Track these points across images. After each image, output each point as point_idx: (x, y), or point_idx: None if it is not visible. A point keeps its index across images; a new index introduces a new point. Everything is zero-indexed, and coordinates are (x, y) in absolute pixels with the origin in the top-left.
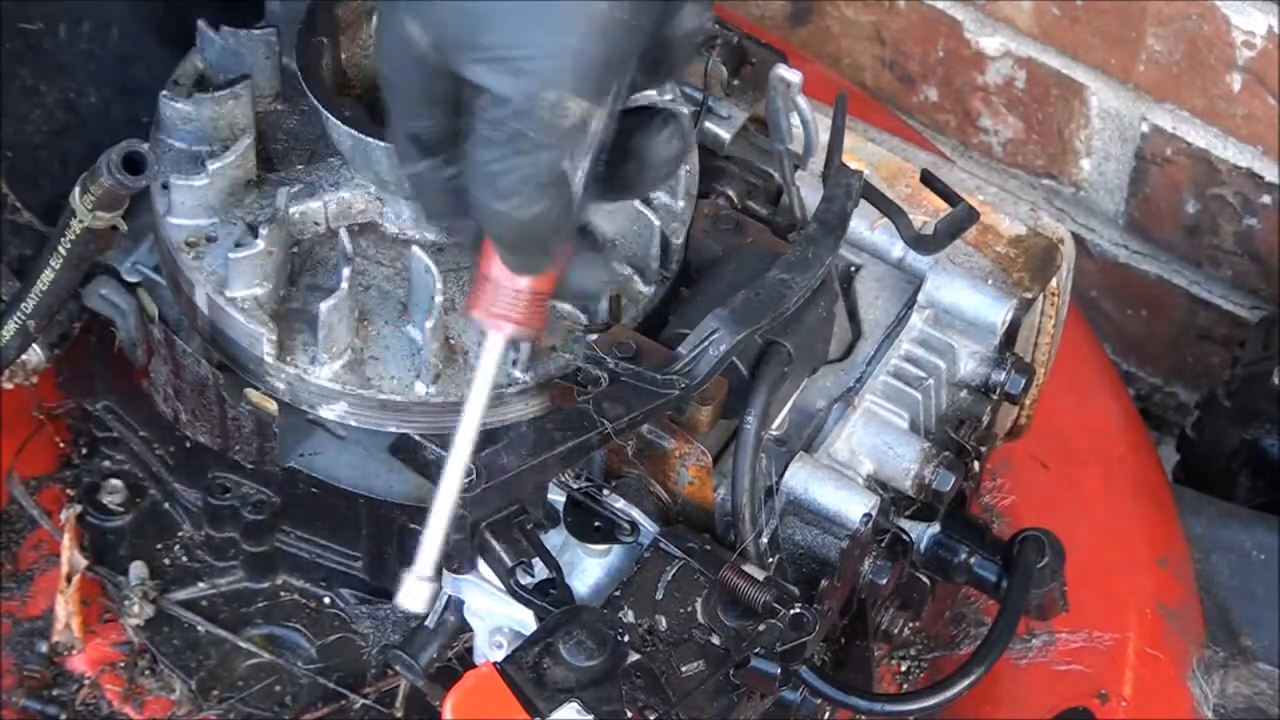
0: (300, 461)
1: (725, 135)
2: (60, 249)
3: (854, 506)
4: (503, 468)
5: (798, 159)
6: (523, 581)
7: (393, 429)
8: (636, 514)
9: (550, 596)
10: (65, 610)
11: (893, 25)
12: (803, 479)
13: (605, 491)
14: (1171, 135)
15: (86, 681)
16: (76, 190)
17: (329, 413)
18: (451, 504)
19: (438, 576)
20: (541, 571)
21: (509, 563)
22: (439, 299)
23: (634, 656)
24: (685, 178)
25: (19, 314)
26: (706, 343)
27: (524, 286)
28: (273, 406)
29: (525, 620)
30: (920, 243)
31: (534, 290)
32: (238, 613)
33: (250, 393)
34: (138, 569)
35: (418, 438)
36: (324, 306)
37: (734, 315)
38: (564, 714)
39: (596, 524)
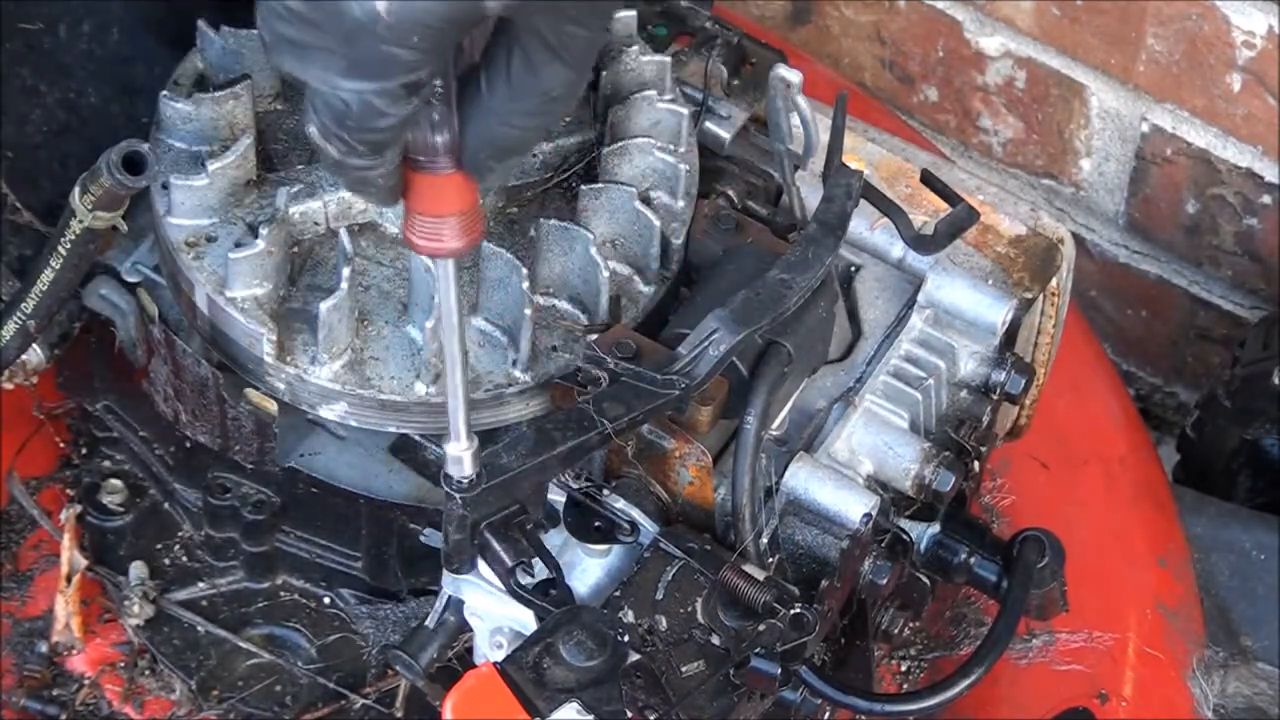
0: (300, 461)
1: (725, 135)
2: (60, 249)
3: (854, 506)
4: (503, 468)
5: (798, 159)
6: (523, 581)
7: (393, 429)
8: (636, 514)
9: (550, 596)
10: (65, 610)
11: (893, 25)
12: (803, 479)
13: (605, 491)
14: (1171, 135)
15: (86, 681)
16: (76, 190)
17: (329, 413)
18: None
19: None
20: (541, 571)
21: (509, 563)
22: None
23: (634, 656)
24: (685, 177)
25: (19, 314)
26: (706, 343)
27: (432, 212)
28: (273, 406)
29: (525, 620)
30: (920, 243)
31: (445, 213)
32: (238, 613)
33: (250, 393)
34: (137, 569)
35: (418, 438)
36: (324, 306)
37: (734, 315)
38: (564, 714)
39: (596, 524)
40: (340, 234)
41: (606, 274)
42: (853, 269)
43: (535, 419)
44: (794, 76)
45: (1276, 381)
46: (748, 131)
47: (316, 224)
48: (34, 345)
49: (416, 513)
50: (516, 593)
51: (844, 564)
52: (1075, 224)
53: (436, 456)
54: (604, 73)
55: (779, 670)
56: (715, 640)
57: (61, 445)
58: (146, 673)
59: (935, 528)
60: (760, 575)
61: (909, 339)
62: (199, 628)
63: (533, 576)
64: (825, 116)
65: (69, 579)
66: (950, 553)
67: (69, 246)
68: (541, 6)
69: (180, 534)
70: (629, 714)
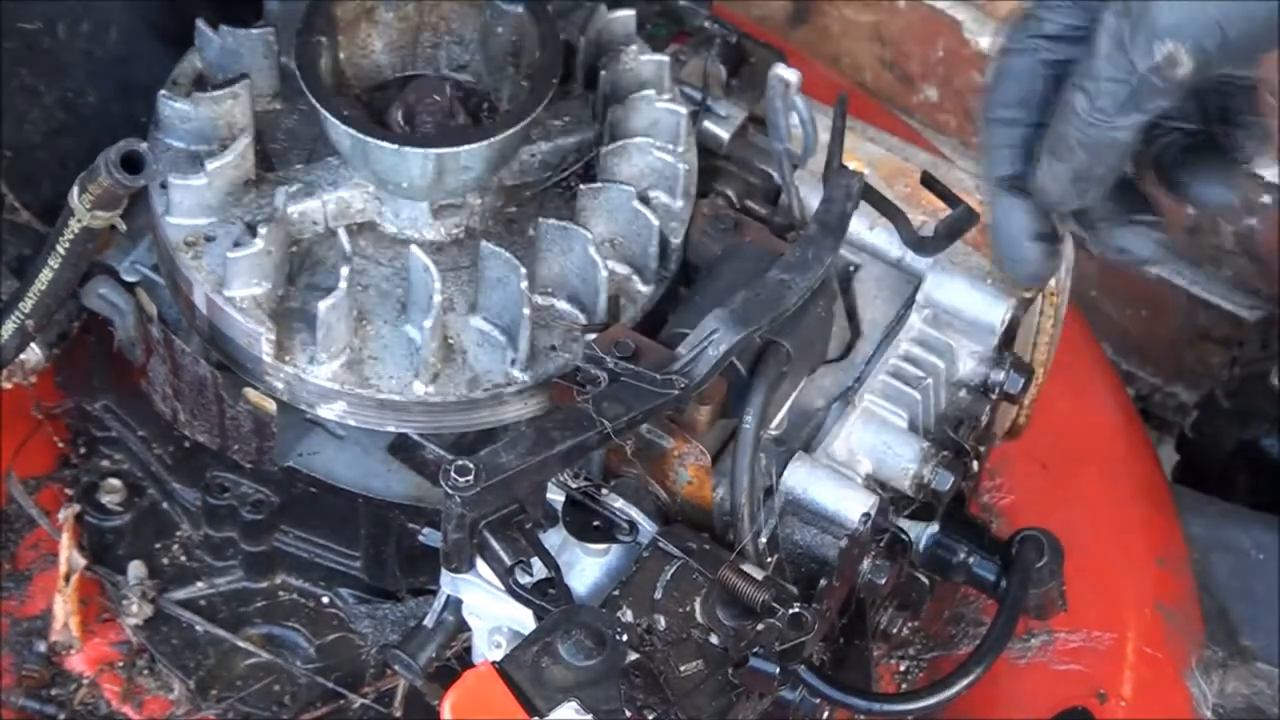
0: (299, 461)
1: (724, 135)
2: (59, 248)
3: (853, 506)
4: (501, 466)
5: (796, 158)
6: (521, 581)
7: (391, 429)
8: (635, 513)
9: (549, 596)
10: (64, 610)
11: (893, 25)
12: (801, 478)
13: (604, 491)
14: None
15: (85, 681)
16: (75, 189)
17: (328, 412)
18: None
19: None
20: (540, 571)
21: (507, 562)
22: (438, 298)
23: (632, 656)
24: (684, 177)
25: (17, 313)
26: (706, 343)
27: None
28: (271, 406)
29: (524, 620)
30: (920, 244)
31: None
32: (236, 612)
33: (249, 392)
34: (136, 568)
35: (416, 437)
36: (323, 306)
37: (734, 315)
38: (562, 713)
39: (595, 523)
40: (339, 233)
41: (605, 273)
42: (851, 268)
43: (534, 418)
44: (793, 76)
45: (1275, 382)
46: (746, 131)
47: (315, 223)
48: (32, 344)
49: (415, 512)
50: (515, 592)
51: (843, 563)
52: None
53: (435, 456)
54: (603, 72)
55: (777, 670)
56: (714, 639)
57: (60, 445)
58: (145, 672)
59: (934, 527)
60: (759, 575)
61: (908, 338)
62: (197, 627)
63: (531, 576)
64: (824, 116)
65: (67, 578)
66: (949, 552)
67: (67, 246)
68: None
69: (179, 533)
70: (627, 713)
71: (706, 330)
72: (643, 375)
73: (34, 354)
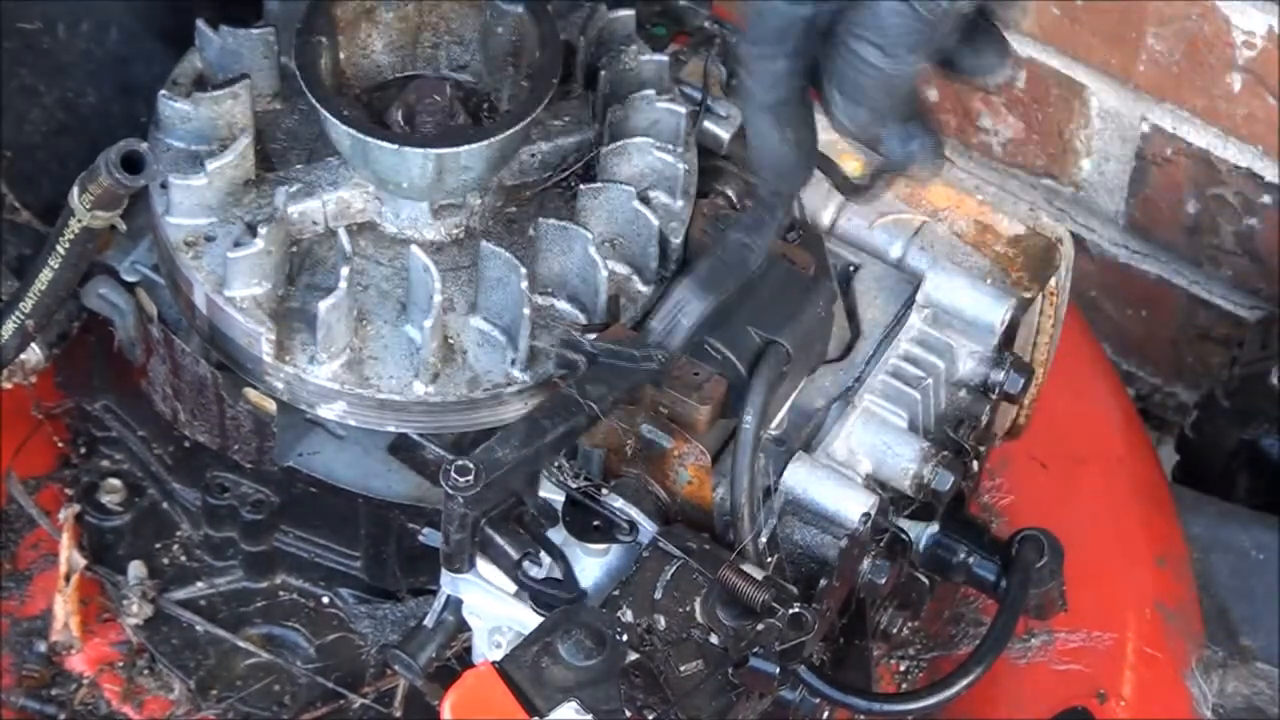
0: (299, 461)
1: (724, 134)
2: (59, 248)
3: (853, 506)
4: (499, 462)
5: None
6: (531, 573)
7: (391, 428)
8: (635, 513)
9: (559, 587)
10: (64, 610)
11: None
12: (801, 478)
13: (604, 491)
14: (1171, 135)
15: (85, 681)
16: (75, 189)
17: (328, 412)
18: None
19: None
20: (541, 571)
21: (515, 555)
22: (438, 298)
23: (632, 656)
24: (684, 177)
25: (17, 313)
26: (677, 313)
27: None
28: (271, 406)
29: (524, 619)
30: (854, 189)
31: None
32: (236, 612)
33: (249, 392)
34: (136, 568)
35: (416, 437)
36: (323, 306)
37: (700, 282)
38: (563, 713)
39: (595, 523)
40: (339, 233)
41: (605, 273)
42: (851, 268)
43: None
44: None
45: (1275, 382)
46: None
47: (315, 223)
48: (32, 344)
49: (415, 512)
50: (525, 584)
51: (843, 563)
52: (1075, 224)
53: (435, 456)
54: (603, 72)
55: (777, 669)
56: (714, 639)
57: (60, 445)
58: (145, 672)
59: (934, 527)
60: (759, 574)
61: (908, 338)
62: (198, 627)
63: (540, 567)
64: (824, 116)
65: (68, 578)
66: (949, 552)
67: (67, 246)
68: None
69: (179, 533)
70: (627, 713)
71: (675, 301)
72: (620, 353)
73: (34, 354)
